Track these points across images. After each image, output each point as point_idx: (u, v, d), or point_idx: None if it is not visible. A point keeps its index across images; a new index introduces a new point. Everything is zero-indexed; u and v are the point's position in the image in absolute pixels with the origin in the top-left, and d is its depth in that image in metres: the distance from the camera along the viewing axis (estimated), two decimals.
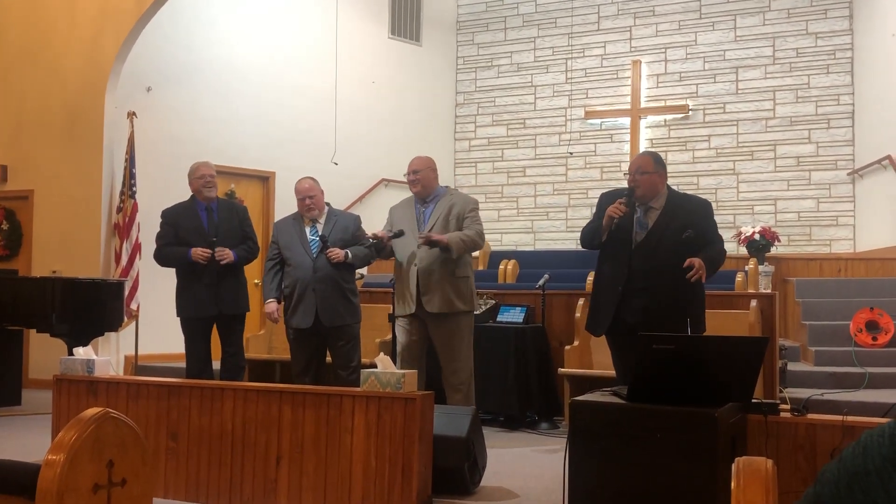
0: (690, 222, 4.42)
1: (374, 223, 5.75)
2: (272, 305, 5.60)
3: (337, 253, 5.43)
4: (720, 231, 4.62)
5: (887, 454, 1.29)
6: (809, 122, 10.07)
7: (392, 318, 5.51)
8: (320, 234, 5.53)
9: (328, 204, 5.75)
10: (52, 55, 8.55)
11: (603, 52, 11.12)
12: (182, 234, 5.76)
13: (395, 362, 4.16)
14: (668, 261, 4.33)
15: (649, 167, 4.48)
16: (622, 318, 4.43)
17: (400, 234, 5.30)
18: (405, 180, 5.56)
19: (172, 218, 5.85)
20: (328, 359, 5.64)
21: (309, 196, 5.58)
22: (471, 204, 5.45)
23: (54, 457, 2.53)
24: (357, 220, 5.75)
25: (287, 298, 5.58)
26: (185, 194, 6.09)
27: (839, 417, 3.33)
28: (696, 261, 4.24)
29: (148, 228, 7.53)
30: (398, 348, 5.41)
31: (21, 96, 8.71)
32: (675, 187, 4.75)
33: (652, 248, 4.40)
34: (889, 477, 1.26)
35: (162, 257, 5.86)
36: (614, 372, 4.73)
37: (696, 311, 4.45)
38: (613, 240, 4.49)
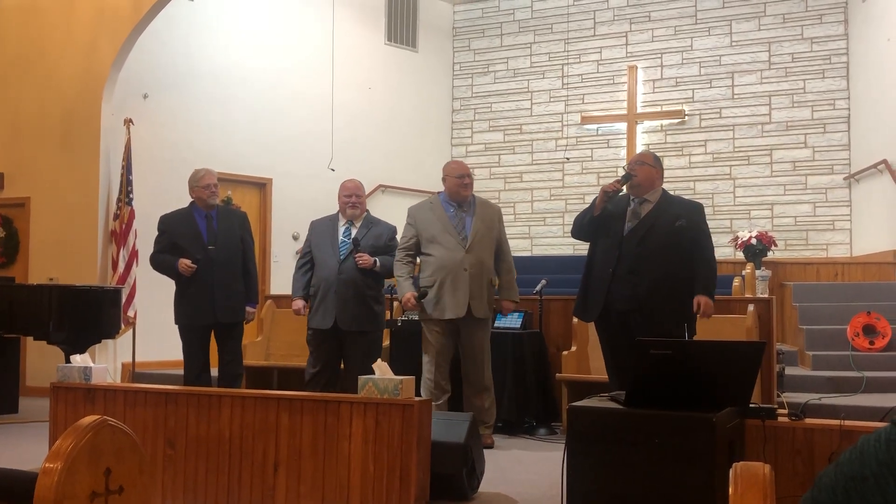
0: (683, 215, 4.56)
1: None
2: (299, 303, 5.65)
3: (366, 259, 5.47)
4: (714, 236, 4.72)
5: (884, 459, 1.29)
6: (805, 127, 10.09)
7: (395, 325, 5.46)
8: (353, 236, 5.55)
9: (367, 211, 5.85)
10: (48, 62, 8.55)
11: (599, 58, 11.14)
12: (179, 241, 5.73)
13: (390, 368, 4.12)
14: (658, 248, 4.47)
15: (649, 160, 4.69)
16: (612, 305, 4.50)
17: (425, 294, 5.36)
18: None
19: (169, 225, 5.82)
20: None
21: (356, 194, 5.69)
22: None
23: (51, 465, 2.52)
24: (393, 230, 5.76)
25: (312, 298, 5.61)
26: (182, 201, 6.07)
27: (837, 422, 3.32)
28: (701, 300, 4.42)
29: (145, 235, 7.52)
30: (432, 353, 5.44)
31: (18, 103, 8.70)
32: (671, 192, 4.84)
33: (643, 235, 4.52)
34: (886, 482, 1.26)
35: (156, 264, 5.86)
36: (604, 361, 4.79)
37: (688, 314, 4.50)
38: (606, 228, 4.60)
